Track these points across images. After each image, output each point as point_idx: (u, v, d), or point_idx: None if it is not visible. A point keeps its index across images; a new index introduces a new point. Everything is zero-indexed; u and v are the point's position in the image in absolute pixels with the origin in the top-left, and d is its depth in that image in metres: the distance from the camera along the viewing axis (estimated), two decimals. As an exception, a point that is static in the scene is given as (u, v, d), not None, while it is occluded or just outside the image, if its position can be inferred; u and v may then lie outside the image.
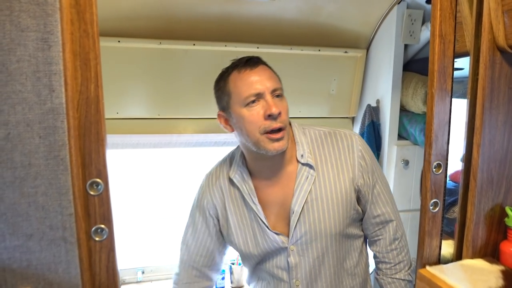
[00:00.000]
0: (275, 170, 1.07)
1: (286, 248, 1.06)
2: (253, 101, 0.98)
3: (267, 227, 1.06)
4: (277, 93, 1.00)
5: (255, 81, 0.98)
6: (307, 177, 1.05)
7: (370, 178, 1.07)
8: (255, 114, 0.98)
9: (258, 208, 1.07)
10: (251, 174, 1.10)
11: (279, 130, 0.99)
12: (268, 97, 0.98)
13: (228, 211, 1.12)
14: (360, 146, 1.07)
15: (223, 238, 1.17)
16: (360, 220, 1.13)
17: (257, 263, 1.14)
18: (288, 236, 1.06)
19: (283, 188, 1.07)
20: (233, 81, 1.01)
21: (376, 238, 1.13)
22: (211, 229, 1.15)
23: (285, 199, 1.07)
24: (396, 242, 1.11)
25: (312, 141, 1.09)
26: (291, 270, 1.07)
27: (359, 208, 1.09)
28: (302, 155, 1.06)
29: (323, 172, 1.06)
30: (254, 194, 1.07)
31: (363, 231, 1.15)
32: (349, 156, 1.06)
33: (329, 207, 1.04)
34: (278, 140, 0.99)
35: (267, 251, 1.09)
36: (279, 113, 0.97)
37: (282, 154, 1.04)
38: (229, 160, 1.15)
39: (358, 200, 1.08)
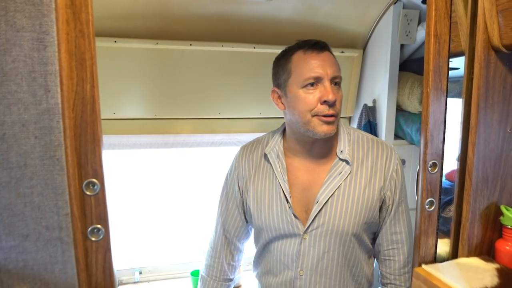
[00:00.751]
0: (312, 156, 1.09)
1: (300, 234, 1.06)
2: (312, 84, 1.00)
3: (290, 207, 1.07)
4: (336, 81, 1.03)
5: (317, 65, 1.00)
6: (341, 172, 1.06)
7: (397, 194, 1.08)
8: (310, 97, 1.00)
9: (286, 186, 1.08)
10: (286, 154, 1.12)
11: (331, 116, 1.01)
12: (327, 83, 1.00)
13: (251, 183, 1.14)
14: (397, 160, 1.09)
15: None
16: (373, 234, 1.13)
17: (266, 243, 1.14)
18: (304, 224, 1.06)
19: (313, 175, 1.08)
20: (296, 61, 1.03)
21: (387, 258, 1.12)
22: (238, 201, 1.19)
23: (311, 186, 1.08)
24: (409, 266, 1.10)
25: (353, 142, 1.10)
26: (297, 258, 1.07)
27: (378, 219, 1.09)
28: (341, 151, 1.08)
29: (357, 173, 1.07)
30: (286, 172, 1.09)
31: (373, 247, 1.14)
32: (385, 166, 1.07)
33: (353, 207, 1.05)
34: (328, 123, 1.01)
35: (280, 232, 1.09)
36: (335, 101, 1.00)
37: (323, 143, 1.07)
38: (268, 136, 1.18)
39: (380, 210, 1.09)
